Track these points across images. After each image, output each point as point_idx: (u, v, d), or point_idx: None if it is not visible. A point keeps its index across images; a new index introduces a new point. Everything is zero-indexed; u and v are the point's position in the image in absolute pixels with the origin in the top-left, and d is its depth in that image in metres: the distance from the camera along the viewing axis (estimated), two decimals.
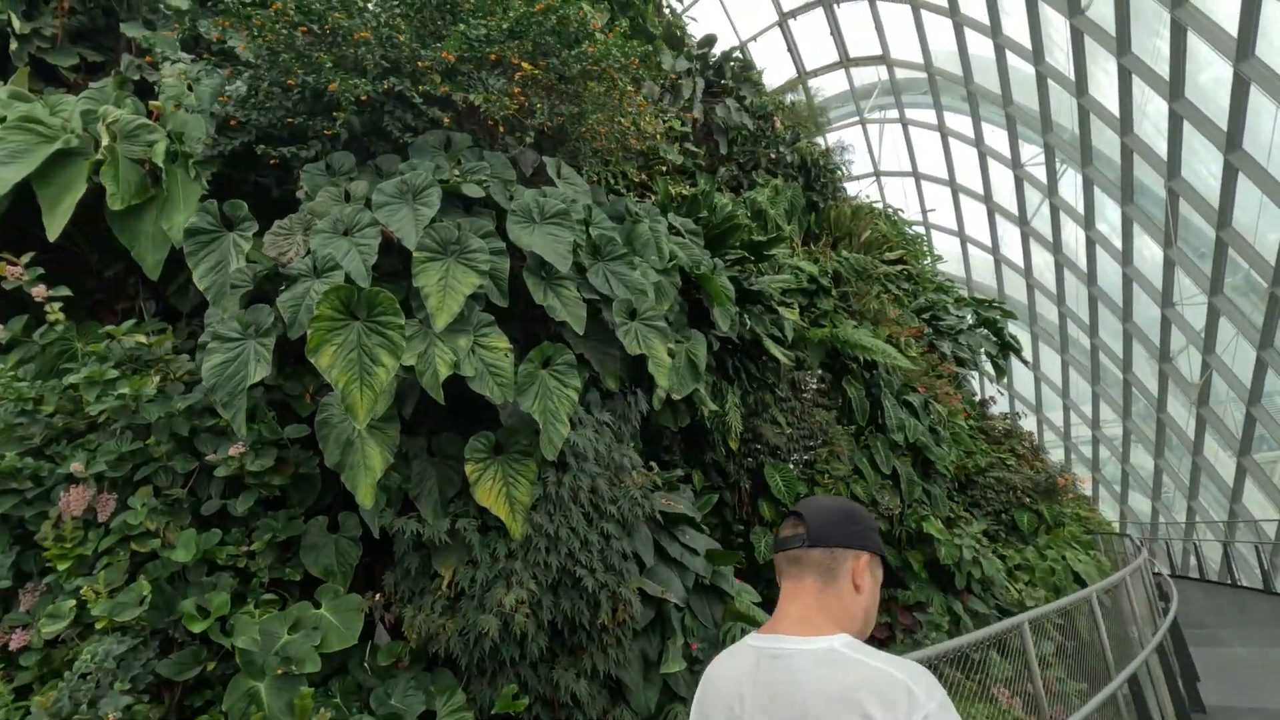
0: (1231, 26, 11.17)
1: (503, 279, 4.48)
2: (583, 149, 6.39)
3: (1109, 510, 28.34)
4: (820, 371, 8.29)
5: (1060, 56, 16.77)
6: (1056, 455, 29.59)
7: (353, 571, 4.36)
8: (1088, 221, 19.66)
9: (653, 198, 8.41)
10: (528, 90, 5.74)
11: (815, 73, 24.63)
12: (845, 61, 24.16)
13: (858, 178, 26.59)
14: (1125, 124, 15.68)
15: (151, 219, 4.68)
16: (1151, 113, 15.03)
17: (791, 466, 7.66)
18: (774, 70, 23.74)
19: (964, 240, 26.53)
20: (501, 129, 5.77)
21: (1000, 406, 28.04)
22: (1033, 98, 18.64)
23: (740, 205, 9.46)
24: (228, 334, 3.85)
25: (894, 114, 25.27)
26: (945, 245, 27.85)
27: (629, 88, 6.96)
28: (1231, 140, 12.71)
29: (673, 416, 6.43)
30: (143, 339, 4.19)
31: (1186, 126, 13.80)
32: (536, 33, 5.64)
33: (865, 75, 24.92)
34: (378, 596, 4.15)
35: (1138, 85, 14.53)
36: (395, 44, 5.09)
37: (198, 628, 3.49)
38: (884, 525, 7.71)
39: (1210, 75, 12.65)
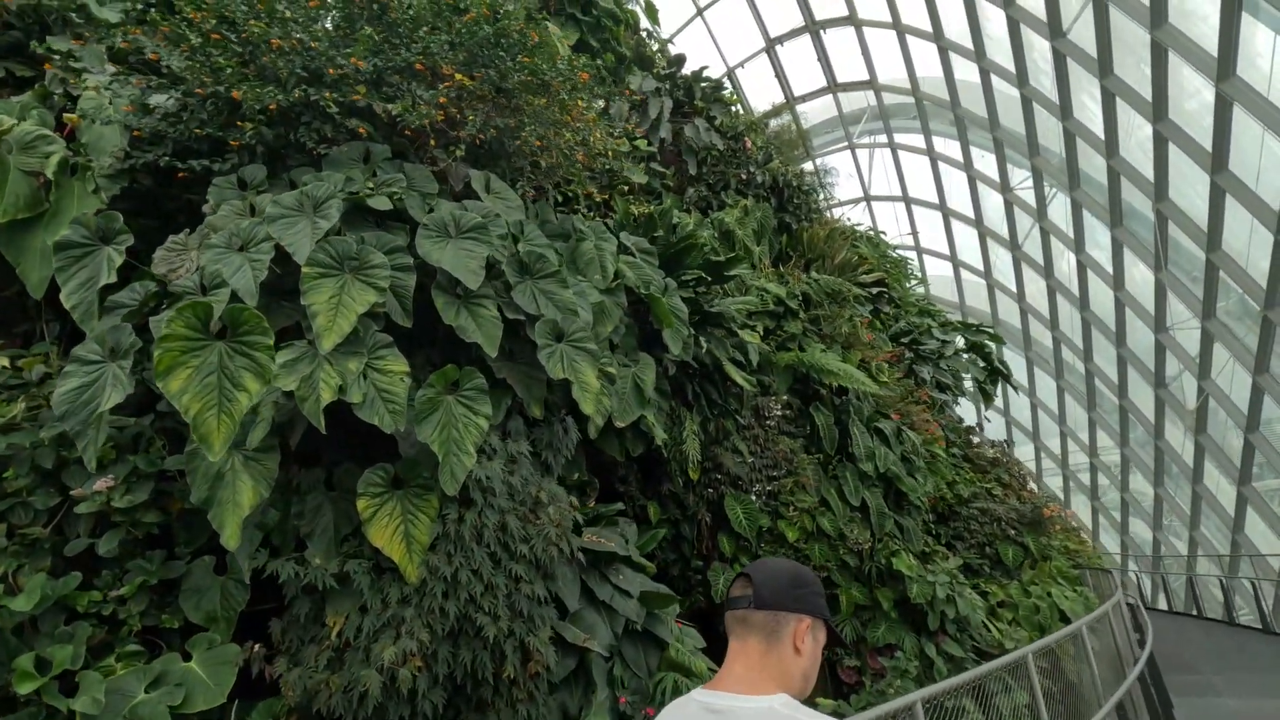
0: (1211, 46, 10.99)
1: (407, 297, 4.15)
2: (524, 165, 6.10)
3: (1111, 540, 27.65)
4: (786, 397, 7.92)
5: (1045, 80, 16.66)
6: (1055, 483, 29.03)
7: (237, 618, 3.97)
8: (1078, 245, 19.41)
9: (614, 217, 8.14)
10: (460, 101, 5.48)
11: (803, 98, 24.65)
12: (833, 87, 24.17)
13: (847, 202, 26.50)
14: (1111, 147, 15.49)
15: (40, 234, 4.38)
16: (1137, 135, 14.84)
17: (754, 498, 7.25)
18: (763, 96, 23.80)
19: (956, 265, 26.31)
20: (433, 142, 5.50)
21: (998, 433, 27.58)
22: (1019, 121, 18.51)
23: (707, 226, 9.19)
24: (88, 356, 3.51)
25: (883, 139, 25.23)
26: (938, 270, 27.66)
27: (579, 102, 6.73)
28: (1217, 162, 12.47)
29: (620, 445, 6.05)
30: (5, 363, 3.85)
31: (1172, 148, 13.59)
32: (470, 42, 5.40)
33: (854, 100, 24.92)
34: (257, 647, 3.74)
35: (1122, 107, 14.36)
36: (311, 52, 4.84)
37: (27, 687, 3.09)
38: (853, 560, 7.27)
39: (1193, 96, 12.46)
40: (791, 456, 7.42)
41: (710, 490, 7.32)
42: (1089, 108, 15.80)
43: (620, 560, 4.98)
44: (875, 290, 11.64)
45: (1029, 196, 20.64)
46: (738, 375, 7.30)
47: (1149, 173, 14.72)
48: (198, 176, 4.88)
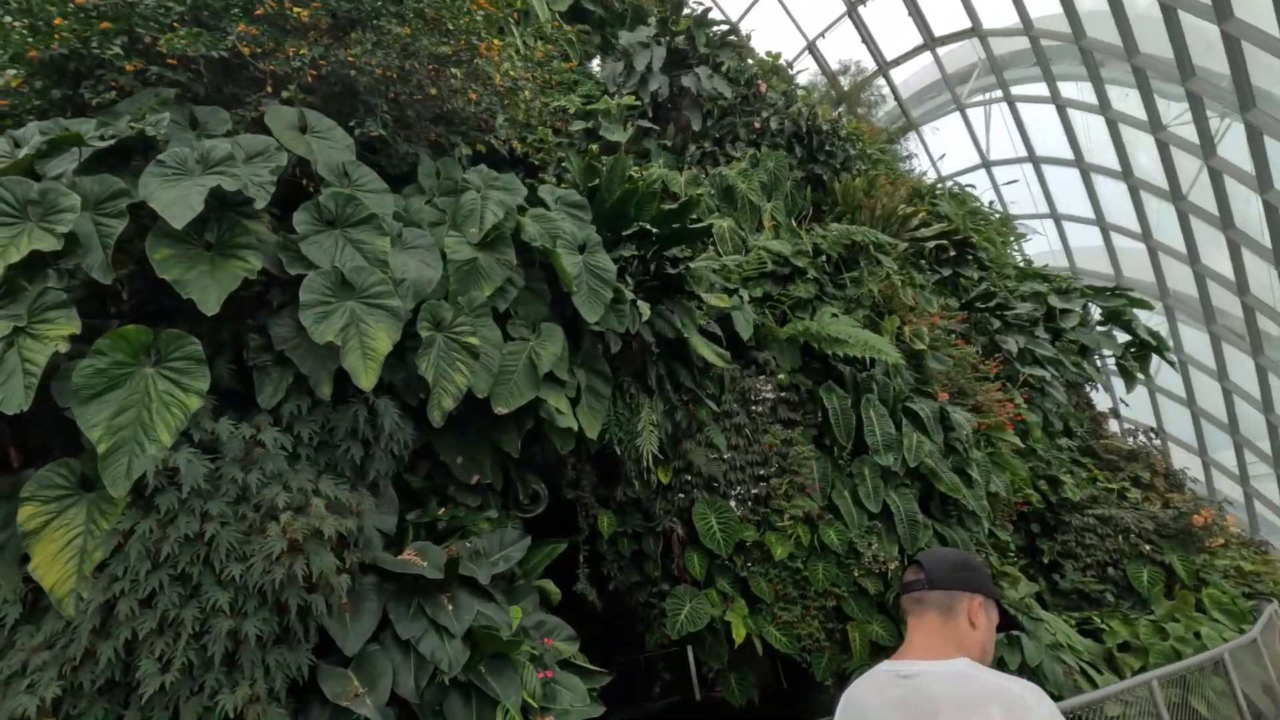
0: None
1: (110, 247, 3.27)
2: (379, 104, 5.12)
3: None
4: (784, 376, 6.27)
5: None
6: (1271, 488, 23.34)
7: None
8: (1263, 183, 15.35)
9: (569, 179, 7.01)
10: (294, 35, 4.65)
11: (897, 61, 22.11)
12: (930, 42, 21.41)
13: (963, 171, 23.29)
14: None
15: None
16: None
17: (734, 504, 5.71)
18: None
19: (1105, 229, 22.16)
20: (269, 88, 4.71)
21: (1185, 435, 22.67)
22: (1163, 40, 15.04)
23: (703, 183, 7.78)
24: None
25: (998, 94, 21.93)
26: (1083, 240, 23.48)
27: (494, 41, 5.74)
28: None
29: (517, 437, 4.83)
30: None
31: None
32: None
33: (958, 57, 21.95)
34: None
35: None
36: None
37: None
38: (873, 585, 5.47)
39: None
40: (785, 450, 5.79)
41: (682, 495, 5.88)
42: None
43: (463, 585, 3.76)
44: (950, 251, 9.50)
45: (1189, 132, 16.74)
46: (708, 351, 5.84)
47: None
48: None
